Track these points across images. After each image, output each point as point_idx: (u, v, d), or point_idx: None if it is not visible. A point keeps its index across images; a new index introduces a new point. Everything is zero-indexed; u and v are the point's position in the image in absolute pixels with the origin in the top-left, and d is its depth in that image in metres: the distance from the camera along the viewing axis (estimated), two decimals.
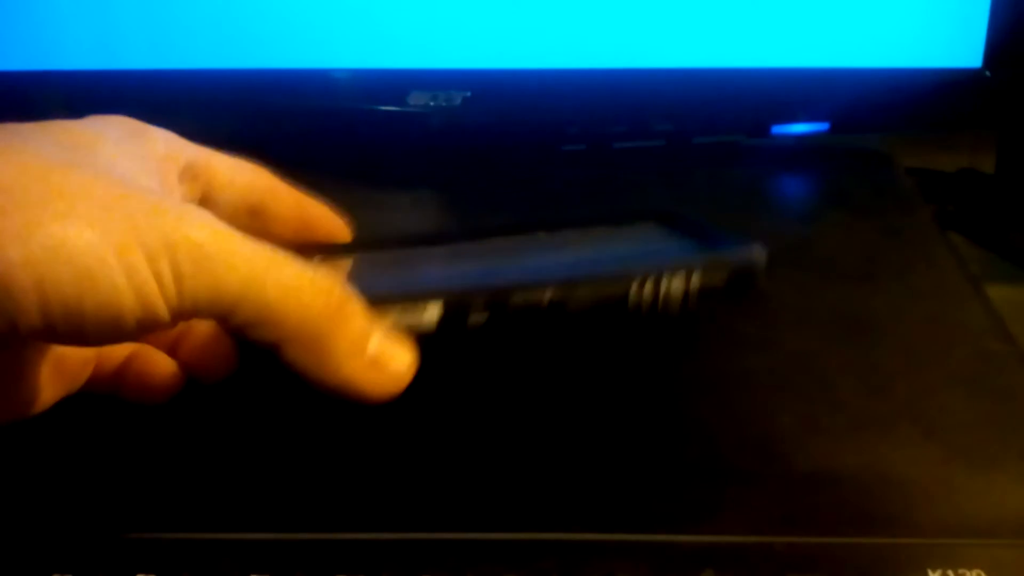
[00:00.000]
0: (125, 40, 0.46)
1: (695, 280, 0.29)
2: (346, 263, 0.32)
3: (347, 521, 0.29)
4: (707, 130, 0.49)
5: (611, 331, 0.32)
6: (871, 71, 0.46)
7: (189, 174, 0.30)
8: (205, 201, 0.31)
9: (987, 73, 0.45)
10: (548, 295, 0.28)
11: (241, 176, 0.31)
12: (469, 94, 0.46)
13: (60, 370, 0.28)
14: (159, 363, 0.30)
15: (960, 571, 0.26)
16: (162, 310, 0.24)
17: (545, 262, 0.32)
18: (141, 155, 0.28)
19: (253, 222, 0.32)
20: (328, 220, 0.33)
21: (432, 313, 0.28)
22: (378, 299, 0.27)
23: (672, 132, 0.49)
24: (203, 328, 0.29)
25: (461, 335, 0.28)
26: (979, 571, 0.26)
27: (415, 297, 0.28)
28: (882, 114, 0.48)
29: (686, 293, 0.29)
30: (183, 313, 0.24)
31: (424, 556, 0.27)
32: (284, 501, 0.29)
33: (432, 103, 0.46)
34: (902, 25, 0.45)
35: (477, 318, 0.28)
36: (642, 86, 0.46)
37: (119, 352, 0.30)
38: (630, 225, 0.35)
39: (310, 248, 0.32)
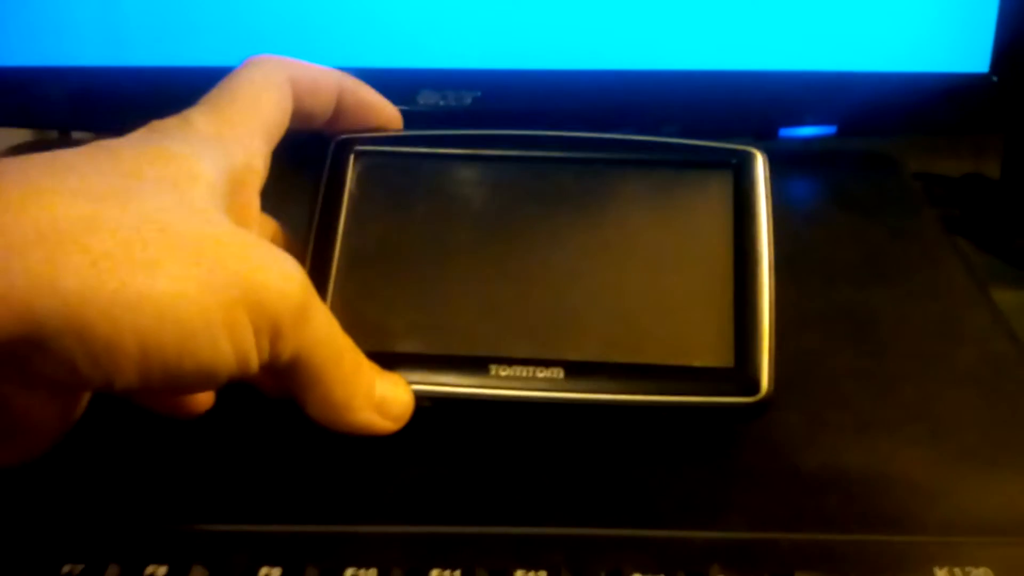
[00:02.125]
0: (132, 36, 0.46)
1: (686, 415, 0.31)
2: (368, 274, 0.32)
3: (358, 514, 0.29)
4: (714, 132, 0.49)
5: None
6: (878, 75, 0.46)
7: (266, 165, 0.31)
8: None
9: (994, 78, 0.45)
10: (546, 412, 0.30)
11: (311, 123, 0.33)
12: (479, 94, 0.46)
13: None
14: None
15: (967, 569, 0.26)
16: (255, 366, 0.25)
17: (576, 303, 0.32)
18: (228, 169, 0.28)
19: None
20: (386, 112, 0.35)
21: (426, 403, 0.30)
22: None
23: (679, 134, 0.49)
24: None
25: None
26: (986, 569, 0.26)
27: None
28: (889, 118, 0.47)
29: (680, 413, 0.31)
30: (268, 366, 0.25)
31: (434, 550, 0.27)
32: (295, 494, 0.30)
33: (442, 103, 0.46)
34: (909, 29, 0.45)
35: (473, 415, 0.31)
36: (650, 87, 0.46)
37: None
38: (696, 172, 0.36)
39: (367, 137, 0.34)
